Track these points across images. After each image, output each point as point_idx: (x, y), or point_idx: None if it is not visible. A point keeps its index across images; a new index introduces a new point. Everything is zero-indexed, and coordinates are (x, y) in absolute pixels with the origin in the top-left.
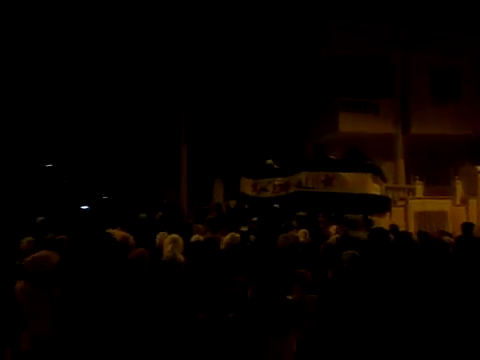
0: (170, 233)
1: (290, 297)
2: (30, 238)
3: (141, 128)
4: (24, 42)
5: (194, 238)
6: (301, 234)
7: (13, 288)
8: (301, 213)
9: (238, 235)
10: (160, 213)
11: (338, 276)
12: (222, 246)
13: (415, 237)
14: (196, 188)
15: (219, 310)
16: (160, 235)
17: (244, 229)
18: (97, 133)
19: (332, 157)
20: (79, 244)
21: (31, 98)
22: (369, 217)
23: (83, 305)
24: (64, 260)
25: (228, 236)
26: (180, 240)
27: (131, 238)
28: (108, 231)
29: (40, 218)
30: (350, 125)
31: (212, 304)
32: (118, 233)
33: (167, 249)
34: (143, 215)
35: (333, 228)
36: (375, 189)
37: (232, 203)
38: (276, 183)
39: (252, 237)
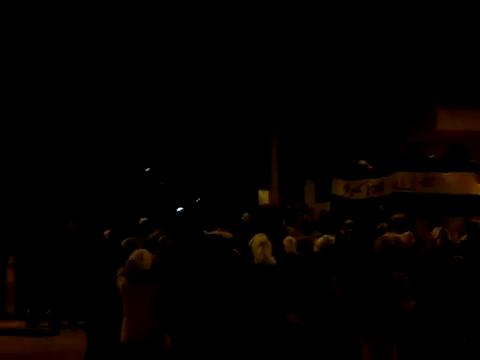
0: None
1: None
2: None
3: (231, 128)
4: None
5: (286, 240)
6: (404, 237)
7: (115, 285)
8: (397, 215)
9: (332, 237)
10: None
11: (443, 281)
12: (315, 249)
13: None
14: (287, 189)
15: (314, 312)
16: (256, 237)
17: (339, 232)
18: (190, 137)
19: (431, 156)
20: (183, 244)
21: (129, 108)
22: (473, 220)
23: (180, 300)
24: (166, 258)
25: (321, 239)
26: (269, 242)
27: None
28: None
29: (143, 219)
30: (449, 123)
31: (307, 306)
32: (223, 234)
33: (257, 252)
34: (246, 215)
35: (438, 230)
36: (479, 190)
37: (324, 205)
38: (370, 184)
39: (347, 239)
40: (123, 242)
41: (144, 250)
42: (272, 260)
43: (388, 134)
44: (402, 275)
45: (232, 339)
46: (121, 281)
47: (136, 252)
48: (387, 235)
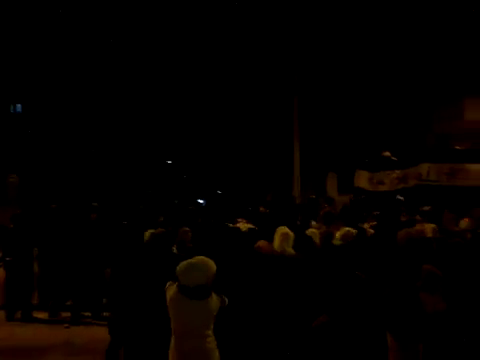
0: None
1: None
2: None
3: (253, 120)
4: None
5: (309, 232)
6: (429, 229)
7: (134, 278)
8: (425, 207)
9: (354, 230)
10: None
11: (472, 276)
12: (336, 241)
13: None
14: (308, 181)
15: (337, 307)
16: (278, 228)
17: (363, 224)
18: (211, 130)
19: (457, 148)
20: (203, 237)
21: (151, 102)
22: None
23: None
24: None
25: (343, 231)
26: (290, 233)
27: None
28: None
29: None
30: (477, 113)
31: (328, 301)
32: (243, 225)
33: (276, 243)
34: (263, 209)
35: (465, 222)
36: None
37: (347, 197)
38: (394, 176)
39: (371, 232)
40: (147, 234)
41: (206, 258)
42: (291, 251)
43: (413, 124)
44: (433, 269)
45: (254, 332)
46: (171, 290)
47: (198, 259)
48: (418, 227)
